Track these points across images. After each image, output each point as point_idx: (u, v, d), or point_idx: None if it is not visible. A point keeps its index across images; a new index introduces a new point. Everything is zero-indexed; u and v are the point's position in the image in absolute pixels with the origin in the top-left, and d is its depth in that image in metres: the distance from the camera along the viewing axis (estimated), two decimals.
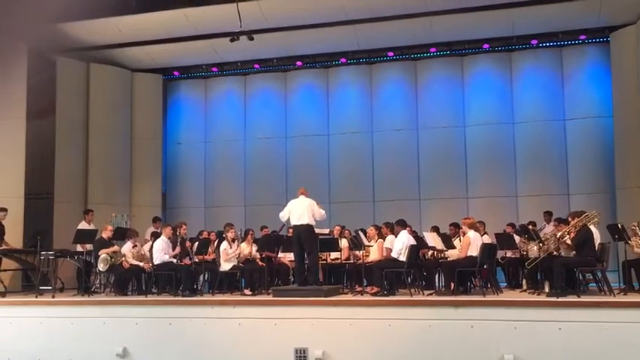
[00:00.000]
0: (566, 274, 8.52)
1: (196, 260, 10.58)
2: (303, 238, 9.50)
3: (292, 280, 10.86)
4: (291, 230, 11.02)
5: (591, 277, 9.17)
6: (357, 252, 10.36)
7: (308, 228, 9.53)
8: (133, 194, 14.57)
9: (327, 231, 11.24)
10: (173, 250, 10.25)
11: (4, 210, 11.07)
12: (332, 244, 10.40)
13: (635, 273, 9.20)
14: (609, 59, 13.05)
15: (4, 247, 10.90)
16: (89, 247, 10.88)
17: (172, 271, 10.00)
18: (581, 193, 13.19)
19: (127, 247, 10.57)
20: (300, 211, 9.56)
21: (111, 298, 9.95)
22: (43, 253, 10.46)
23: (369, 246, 10.36)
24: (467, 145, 14.15)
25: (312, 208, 9.58)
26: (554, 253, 9.04)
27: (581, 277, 8.85)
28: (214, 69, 15.36)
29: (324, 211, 9.79)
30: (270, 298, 9.23)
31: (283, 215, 9.82)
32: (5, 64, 12.01)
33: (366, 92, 14.90)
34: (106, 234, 10.58)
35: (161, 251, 10.00)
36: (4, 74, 12.28)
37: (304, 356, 8.34)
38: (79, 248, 11.17)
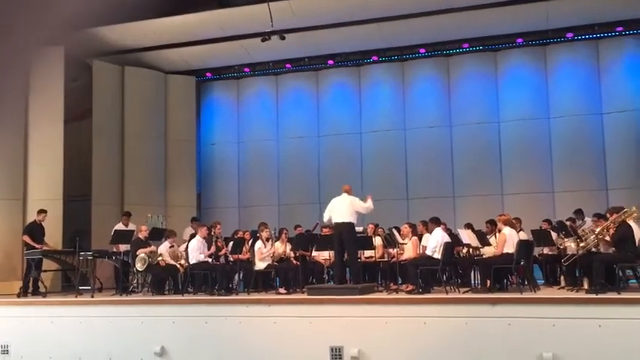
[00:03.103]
0: (606, 271, 8.34)
1: (231, 260, 10.67)
2: (345, 236, 9.47)
3: (326, 278, 10.88)
4: (325, 229, 11.05)
5: (631, 273, 8.98)
6: (391, 250, 10.32)
7: (349, 226, 9.50)
8: (168, 195, 14.75)
9: (361, 229, 11.21)
10: (209, 249, 10.34)
11: (44, 212, 11.32)
12: (366, 242, 10.38)
13: None
14: None
15: (44, 248, 11.14)
16: (126, 247, 11.04)
17: (208, 270, 10.09)
18: (619, 188, 12.90)
19: (164, 247, 10.71)
20: (342, 208, 9.51)
21: (148, 297, 10.08)
22: (82, 253, 10.65)
23: (403, 244, 10.31)
24: (501, 141, 13.98)
25: (354, 206, 9.54)
26: (593, 249, 8.86)
27: (620, 274, 8.66)
28: (246, 69, 15.46)
29: (369, 203, 9.63)
30: (304, 296, 9.23)
31: (326, 213, 9.79)
32: (42, 69, 12.25)
33: (398, 90, 14.83)
34: (141, 234, 10.74)
35: (196, 251, 10.09)
36: (42, 79, 12.56)
37: (340, 355, 8.33)
38: (119, 249, 11.36)
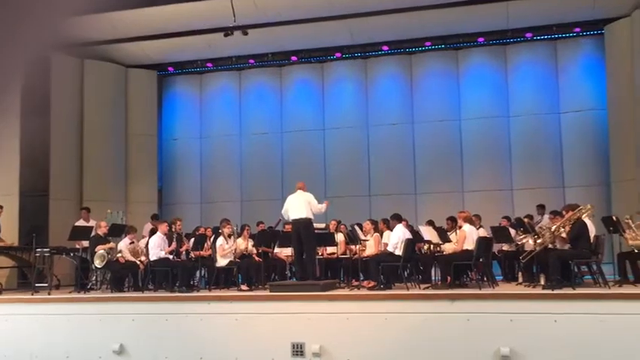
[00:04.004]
0: (562, 267, 8.54)
1: (193, 256, 10.59)
2: (302, 232, 9.49)
3: (289, 275, 10.88)
4: (287, 226, 11.05)
5: (586, 269, 9.20)
6: (353, 246, 10.38)
7: (307, 222, 9.53)
8: (128, 191, 14.58)
9: (323, 225, 11.24)
10: (169, 246, 10.24)
11: (0, 207, 11.05)
12: (328, 239, 10.41)
13: (630, 265, 9.24)
14: (603, 52, 13.08)
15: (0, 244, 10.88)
16: (85, 244, 10.87)
17: (168, 267, 9.99)
18: (576, 186, 13.22)
19: (123, 244, 10.57)
20: (299, 205, 9.54)
21: (107, 294, 9.93)
22: (39, 250, 10.44)
23: (365, 240, 10.38)
24: (462, 138, 14.17)
25: (309, 202, 9.57)
26: (550, 246, 9.06)
27: (576, 270, 8.89)
28: (209, 64, 15.33)
29: (322, 206, 9.73)
30: (266, 293, 9.22)
31: (284, 212, 9.81)
32: None
33: (361, 86, 14.90)
34: (101, 230, 10.57)
35: (157, 247, 9.99)
36: None
37: (301, 351, 8.35)
38: (77, 245, 11.16)
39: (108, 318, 9.11)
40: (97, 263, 10.18)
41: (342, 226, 11.19)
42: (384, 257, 9.42)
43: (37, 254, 10.42)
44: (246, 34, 11.80)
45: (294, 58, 14.92)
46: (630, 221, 9.43)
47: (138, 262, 10.38)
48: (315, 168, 14.70)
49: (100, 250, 10.16)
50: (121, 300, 9.41)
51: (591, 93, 13.42)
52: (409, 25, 13.24)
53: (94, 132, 13.98)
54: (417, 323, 8.09)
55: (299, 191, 9.74)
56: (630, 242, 9.24)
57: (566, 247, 8.82)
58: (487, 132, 13.94)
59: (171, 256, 10.18)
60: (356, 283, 9.77)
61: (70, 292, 10.29)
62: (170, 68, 15.62)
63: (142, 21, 12.93)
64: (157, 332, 8.88)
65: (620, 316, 7.44)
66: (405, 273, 9.63)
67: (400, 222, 9.72)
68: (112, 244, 10.47)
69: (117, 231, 11.06)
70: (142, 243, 10.79)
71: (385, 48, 14.43)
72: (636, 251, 9.18)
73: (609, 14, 12.58)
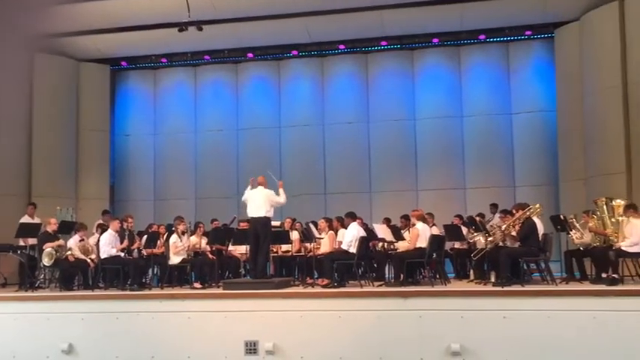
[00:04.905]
0: (511, 265, 8.73)
1: (145, 254, 10.44)
2: (260, 230, 9.43)
3: (243, 273, 10.82)
4: (242, 223, 10.98)
5: (535, 267, 9.43)
6: (307, 244, 10.39)
7: (265, 221, 9.47)
8: (79, 187, 14.26)
9: (278, 223, 11.22)
10: (121, 243, 10.06)
11: None
12: (283, 237, 10.39)
13: (576, 262, 9.50)
14: (553, 55, 13.40)
15: None
16: (31, 241, 10.58)
17: (120, 265, 9.82)
18: (526, 186, 13.53)
19: (73, 241, 10.33)
20: (259, 203, 9.47)
21: (56, 293, 9.70)
22: None
23: (319, 238, 10.40)
24: (417, 138, 14.32)
25: (270, 199, 9.51)
26: (500, 243, 9.25)
27: (525, 267, 9.10)
28: (163, 60, 15.10)
29: (281, 197, 9.64)
30: (220, 291, 9.17)
31: (244, 200, 9.71)
32: None
33: (317, 85, 14.91)
34: (50, 227, 10.32)
35: (108, 245, 9.81)
36: None
37: (255, 349, 8.32)
38: (21, 243, 10.87)
39: (56, 317, 8.90)
40: (46, 261, 9.93)
41: (297, 224, 11.19)
42: (339, 255, 9.46)
43: None
44: (200, 29, 11.68)
45: (250, 54, 14.83)
46: (574, 220, 9.71)
47: (88, 260, 10.17)
48: (270, 166, 14.51)
49: (48, 247, 9.92)
50: (70, 298, 9.22)
51: (542, 95, 13.74)
52: (366, 25, 13.30)
53: (43, 127, 13.62)
54: (370, 320, 8.16)
55: (260, 187, 9.65)
56: (576, 241, 9.52)
57: (516, 245, 9.01)
58: (441, 132, 14.12)
59: (122, 254, 10.01)
60: (310, 281, 9.78)
61: (16, 291, 10.02)
62: (123, 63, 15.32)
63: (94, 14, 12.65)
64: (107, 331, 8.73)
65: (567, 312, 7.66)
66: (359, 271, 9.69)
67: (354, 220, 9.78)
68: (61, 242, 10.23)
69: (66, 228, 10.80)
70: (93, 240, 10.57)
71: (342, 47, 14.47)
72: (582, 249, 9.45)
73: (559, 18, 12.89)
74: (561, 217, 9.92)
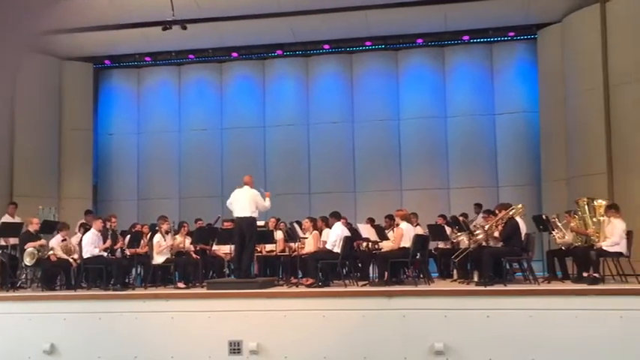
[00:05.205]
0: (494, 264, 8.79)
1: (128, 254, 10.38)
2: (246, 230, 9.39)
3: (227, 272, 10.80)
4: (226, 223, 10.95)
5: (518, 266, 9.50)
6: (292, 244, 10.38)
7: (251, 221, 9.43)
8: (61, 186, 14.16)
9: (262, 223, 11.20)
10: (103, 243, 9.99)
11: None
12: (267, 237, 10.38)
13: (558, 262, 9.59)
14: (536, 56, 13.51)
15: None
16: (14, 240, 10.48)
17: (102, 264, 9.75)
18: (509, 186, 13.64)
19: (55, 241, 10.25)
20: (244, 202, 9.41)
21: (37, 293, 9.62)
22: None
23: (304, 238, 10.40)
24: (401, 138, 14.38)
25: (255, 200, 9.48)
26: (483, 243, 9.31)
27: (508, 267, 9.17)
28: (147, 58, 15.03)
29: (267, 203, 9.64)
30: (204, 291, 9.14)
31: (228, 204, 9.67)
32: None
33: (302, 84, 14.92)
34: (32, 227, 10.22)
35: (91, 244, 9.73)
36: None
37: (239, 349, 8.30)
38: (2, 242, 10.75)
39: (38, 317, 8.82)
40: (27, 261, 9.83)
41: (281, 224, 11.19)
42: (323, 255, 9.47)
43: None
44: (185, 28, 11.63)
45: (234, 54, 14.81)
46: (557, 220, 9.81)
47: (70, 260, 10.09)
48: (255, 165, 14.59)
49: (30, 247, 9.82)
50: (52, 298, 9.14)
51: (524, 95, 13.86)
52: (350, 25, 13.33)
53: (25, 126, 13.47)
54: (354, 320, 8.17)
55: (246, 187, 9.59)
56: (558, 241, 9.62)
57: (499, 244, 9.08)
58: (425, 132, 14.19)
59: (105, 254, 9.94)
60: (294, 281, 9.78)
61: None
62: (107, 61, 15.22)
63: (76, 12, 12.54)
64: (90, 332, 8.66)
65: (548, 311, 7.73)
66: (344, 270, 9.71)
67: (339, 220, 9.78)
68: (43, 242, 10.13)
69: (49, 228, 10.72)
70: (75, 240, 10.48)
71: (326, 47, 14.49)
72: (564, 249, 9.55)
73: (542, 20, 13.01)
74: (543, 217, 10.02)
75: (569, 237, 9.48)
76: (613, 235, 8.55)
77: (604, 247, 8.56)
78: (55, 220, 11.97)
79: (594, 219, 9.03)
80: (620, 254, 8.65)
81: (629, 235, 8.67)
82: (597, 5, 11.71)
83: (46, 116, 13.97)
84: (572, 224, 9.39)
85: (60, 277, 10.40)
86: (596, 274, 8.43)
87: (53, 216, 12.54)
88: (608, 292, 7.84)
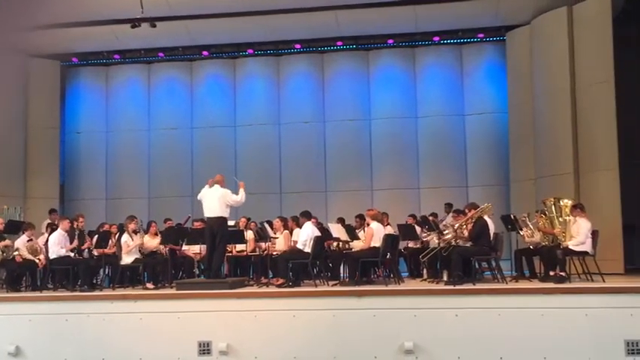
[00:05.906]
0: (463, 263, 8.87)
1: (96, 254, 10.24)
2: (217, 230, 9.33)
3: (197, 273, 10.71)
4: (196, 223, 10.86)
5: (486, 265, 9.60)
6: (262, 244, 10.34)
7: (221, 220, 9.38)
8: (27, 185, 13.91)
9: (232, 223, 11.14)
10: (70, 243, 9.83)
11: None
12: (238, 236, 10.32)
13: (525, 261, 9.72)
14: (505, 57, 13.68)
15: None
16: None
17: (69, 265, 9.60)
18: (478, 185, 13.80)
19: (21, 241, 10.06)
20: (213, 203, 9.36)
21: (2, 294, 9.41)
22: None
23: (274, 238, 10.36)
24: (372, 138, 14.44)
25: (225, 199, 9.40)
26: (453, 243, 9.38)
27: (477, 266, 9.26)
28: (116, 56, 14.84)
29: (239, 197, 9.49)
30: (173, 291, 9.05)
31: (199, 198, 9.59)
32: None
33: (273, 84, 14.88)
34: None
35: (57, 245, 9.57)
36: None
37: (208, 349, 8.24)
38: None
39: (3, 319, 8.63)
40: None
41: (251, 224, 11.13)
42: (293, 254, 9.45)
43: None
44: (154, 26, 11.52)
45: (205, 52, 14.71)
46: (526, 219, 9.94)
47: (36, 261, 9.91)
48: (225, 164, 14.50)
49: None
50: (17, 300, 8.96)
51: (493, 96, 14.03)
52: (321, 24, 13.34)
53: None
54: (324, 320, 8.16)
55: (216, 186, 9.49)
56: (527, 239, 9.76)
57: (468, 244, 9.16)
58: (396, 132, 14.26)
59: (72, 254, 9.79)
60: (265, 281, 9.75)
61: None
62: (74, 59, 14.99)
63: (44, 8, 12.32)
64: (56, 333, 8.51)
65: (516, 310, 7.81)
66: (314, 270, 9.70)
67: (309, 219, 9.77)
68: (7, 242, 9.93)
69: (14, 228, 10.52)
70: (42, 240, 10.30)
71: (297, 46, 14.47)
72: (532, 248, 9.68)
73: (511, 22, 13.17)
74: (512, 216, 10.14)
75: (537, 236, 9.62)
76: (579, 235, 8.69)
77: (570, 247, 8.70)
78: (21, 220, 11.75)
79: (561, 219, 9.16)
80: (585, 253, 8.80)
81: (594, 234, 8.82)
82: (565, 8, 11.90)
83: (12, 114, 13.68)
84: (539, 224, 9.53)
85: (25, 278, 10.22)
86: (562, 273, 8.57)
87: (19, 216, 12.30)
88: (574, 290, 7.97)
